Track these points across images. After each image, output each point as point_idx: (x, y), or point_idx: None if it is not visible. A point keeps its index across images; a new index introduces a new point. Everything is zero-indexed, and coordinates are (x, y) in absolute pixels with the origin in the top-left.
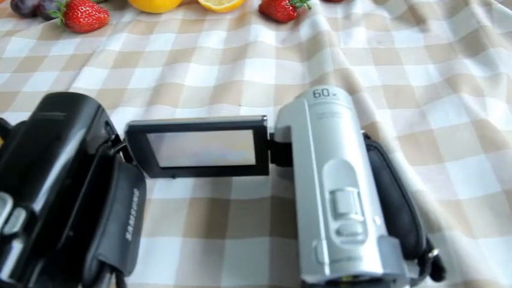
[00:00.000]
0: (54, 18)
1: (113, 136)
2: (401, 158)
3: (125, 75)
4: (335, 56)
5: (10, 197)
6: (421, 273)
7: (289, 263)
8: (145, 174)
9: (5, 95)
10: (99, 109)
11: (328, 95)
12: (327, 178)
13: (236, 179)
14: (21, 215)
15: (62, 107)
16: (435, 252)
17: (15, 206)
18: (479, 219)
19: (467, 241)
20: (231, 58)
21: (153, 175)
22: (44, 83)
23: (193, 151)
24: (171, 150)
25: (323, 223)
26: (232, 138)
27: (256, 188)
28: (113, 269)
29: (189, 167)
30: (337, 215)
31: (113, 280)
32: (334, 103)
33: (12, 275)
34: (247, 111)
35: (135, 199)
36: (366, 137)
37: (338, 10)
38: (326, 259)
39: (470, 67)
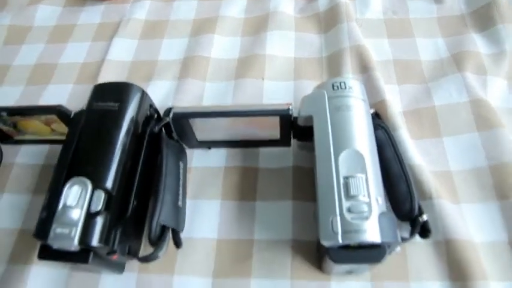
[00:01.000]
0: None
1: (156, 115)
2: (404, 135)
3: (154, 46)
4: (351, 31)
5: (89, 181)
6: (412, 233)
7: (307, 222)
8: (184, 145)
9: (44, 67)
10: (143, 95)
11: (345, 88)
12: (342, 165)
13: (262, 150)
14: (101, 196)
15: (113, 97)
16: (425, 217)
17: (94, 188)
18: (465, 188)
19: (452, 207)
20: (253, 29)
21: (191, 146)
22: (78, 54)
23: (226, 129)
24: (208, 129)
25: (338, 202)
26: (262, 121)
27: (280, 158)
28: (171, 230)
29: (222, 141)
30: (348, 196)
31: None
32: (350, 96)
33: (100, 241)
34: (270, 85)
35: (181, 171)
36: (376, 115)
37: None
38: (339, 230)
39: (477, 43)
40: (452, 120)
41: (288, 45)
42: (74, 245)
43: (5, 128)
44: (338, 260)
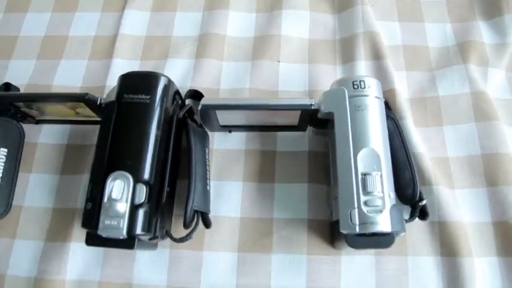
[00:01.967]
0: None
1: (180, 101)
2: (410, 124)
3: (167, 20)
4: (365, 15)
5: (130, 175)
6: (412, 216)
7: (322, 203)
8: (206, 129)
9: (54, 39)
10: (170, 83)
11: (365, 87)
12: (360, 163)
13: (280, 134)
14: (143, 189)
15: (143, 89)
16: (424, 202)
17: (136, 181)
18: (460, 174)
19: (448, 192)
20: (268, 5)
21: (213, 130)
22: (89, 26)
23: (248, 116)
24: (231, 115)
25: (356, 197)
26: (284, 111)
27: (296, 142)
28: (202, 212)
29: (243, 126)
30: (365, 192)
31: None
32: (368, 95)
33: (143, 229)
34: (285, 67)
35: (207, 156)
36: (387, 105)
37: None
38: (357, 221)
39: (483, 32)
40: (453, 110)
41: (302, 26)
42: (123, 234)
43: (27, 110)
44: (355, 246)
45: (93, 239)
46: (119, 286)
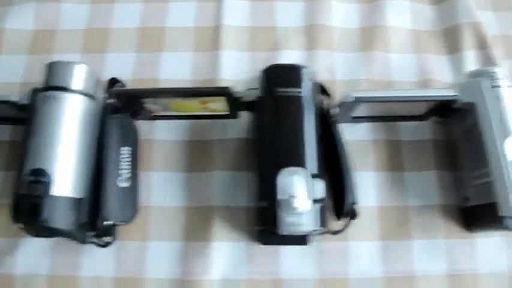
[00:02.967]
0: None
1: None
2: None
3: (269, 10)
4: (467, 5)
5: (305, 171)
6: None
7: (450, 189)
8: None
9: (150, 31)
10: (313, 74)
11: (498, 78)
12: (506, 151)
13: (404, 124)
14: (321, 185)
15: (292, 82)
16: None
17: (313, 177)
18: None
19: None
20: None
21: (344, 121)
22: (186, 16)
23: (377, 108)
24: (366, 108)
25: (508, 183)
26: (415, 103)
27: (420, 131)
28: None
29: (372, 116)
30: None
31: None
32: (503, 87)
33: (322, 224)
34: (395, 58)
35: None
36: None
37: None
38: None
39: None
40: None
41: (404, 16)
42: (306, 231)
43: (151, 106)
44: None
45: (268, 238)
46: (267, 282)
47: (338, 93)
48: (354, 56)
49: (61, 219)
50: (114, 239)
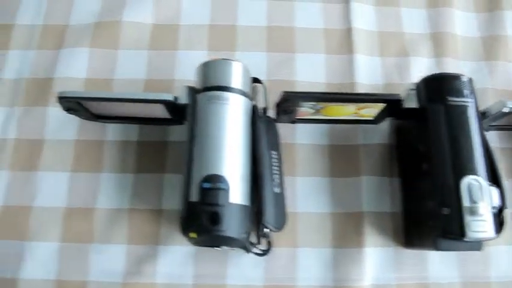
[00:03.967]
0: None
1: None
2: None
3: (395, 16)
4: None
5: (483, 180)
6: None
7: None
8: None
9: (280, 31)
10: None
11: None
12: None
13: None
14: (496, 192)
15: (462, 91)
16: None
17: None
18: None
19: None
20: (486, 5)
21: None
22: (314, 18)
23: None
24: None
25: None
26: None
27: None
28: None
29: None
30: None
31: None
32: None
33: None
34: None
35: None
36: None
37: None
38: None
39: None
40: None
41: None
42: (489, 237)
43: (306, 110)
44: None
45: (444, 243)
46: (415, 287)
47: None
48: (477, 64)
49: (238, 228)
50: (270, 247)
